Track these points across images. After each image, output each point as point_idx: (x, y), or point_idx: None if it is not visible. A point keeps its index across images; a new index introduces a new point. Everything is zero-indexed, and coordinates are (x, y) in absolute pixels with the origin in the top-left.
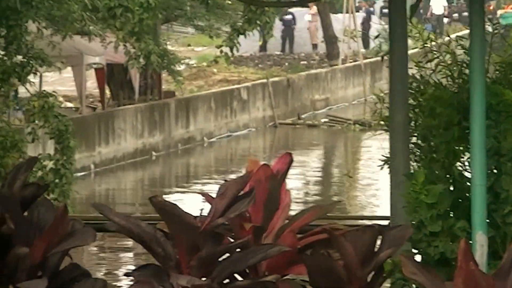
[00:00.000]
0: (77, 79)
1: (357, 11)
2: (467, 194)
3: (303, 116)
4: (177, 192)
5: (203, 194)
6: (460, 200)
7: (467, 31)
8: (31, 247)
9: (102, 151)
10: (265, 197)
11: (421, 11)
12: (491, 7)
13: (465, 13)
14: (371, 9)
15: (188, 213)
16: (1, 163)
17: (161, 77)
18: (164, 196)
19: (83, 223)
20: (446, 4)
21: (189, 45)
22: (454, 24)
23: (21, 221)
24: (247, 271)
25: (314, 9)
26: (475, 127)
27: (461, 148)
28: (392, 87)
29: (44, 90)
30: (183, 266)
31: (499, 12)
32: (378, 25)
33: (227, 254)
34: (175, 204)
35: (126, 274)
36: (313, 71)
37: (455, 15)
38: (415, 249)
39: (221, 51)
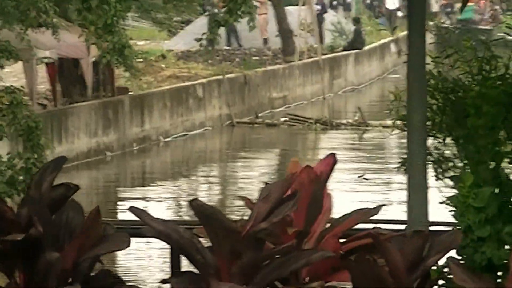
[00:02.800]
0: (28, 75)
1: None
2: None
3: (260, 114)
4: (132, 198)
5: (243, 198)
6: (507, 204)
7: None
8: (62, 252)
9: (55, 151)
10: (308, 200)
11: (375, 3)
12: (446, 1)
13: None
14: (325, 0)
15: (229, 218)
16: None
17: (114, 72)
18: (118, 200)
19: (115, 227)
20: None
21: (131, 39)
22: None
23: (50, 224)
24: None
25: (264, 0)
26: None
27: (508, 148)
28: (410, 85)
29: (12, 85)
30: (223, 273)
31: (457, 5)
32: (333, 18)
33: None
34: (215, 208)
35: (163, 281)
36: (270, 67)
37: None
38: (459, 255)
39: (201, 45)
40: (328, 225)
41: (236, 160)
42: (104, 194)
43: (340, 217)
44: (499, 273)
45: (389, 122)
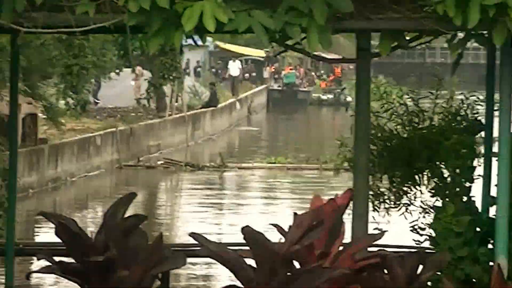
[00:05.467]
0: None
1: None
2: (484, 225)
3: (141, 158)
4: (46, 222)
5: (275, 225)
6: (479, 230)
7: (257, 89)
8: (130, 270)
9: None
10: (329, 227)
11: (219, 71)
12: (273, 69)
13: (254, 73)
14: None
15: (271, 241)
16: None
17: (38, 126)
18: (36, 224)
19: (171, 249)
20: (241, 66)
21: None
22: (244, 82)
23: (122, 248)
24: None
25: (139, 69)
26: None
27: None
28: (357, 134)
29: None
30: (262, 287)
31: (283, 72)
32: (189, 82)
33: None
34: (262, 234)
35: None
36: (149, 121)
37: (246, 75)
38: (440, 272)
39: (138, 102)
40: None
41: (121, 195)
42: (26, 222)
43: (351, 241)
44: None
45: (244, 164)
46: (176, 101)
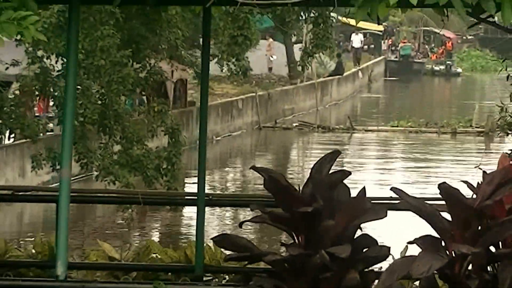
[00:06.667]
0: None
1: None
2: None
3: (278, 120)
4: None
5: (465, 182)
6: None
7: (376, 60)
8: (335, 220)
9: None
10: None
11: (341, 44)
12: (391, 42)
13: (372, 46)
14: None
15: (465, 197)
16: (129, 154)
17: (186, 90)
18: (186, 177)
19: (372, 202)
20: (363, 39)
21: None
22: (364, 54)
23: (328, 199)
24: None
25: (271, 41)
26: None
27: None
28: None
29: (160, 98)
30: (457, 237)
31: (400, 45)
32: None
33: None
34: (457, 190)
35: (410, 242)
36: (284, 87)
37: (365, 47)
38: None
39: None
40: None
41: (261, 152)
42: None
43: None
44: None
45: (369, 127)
46: (306, 70)
